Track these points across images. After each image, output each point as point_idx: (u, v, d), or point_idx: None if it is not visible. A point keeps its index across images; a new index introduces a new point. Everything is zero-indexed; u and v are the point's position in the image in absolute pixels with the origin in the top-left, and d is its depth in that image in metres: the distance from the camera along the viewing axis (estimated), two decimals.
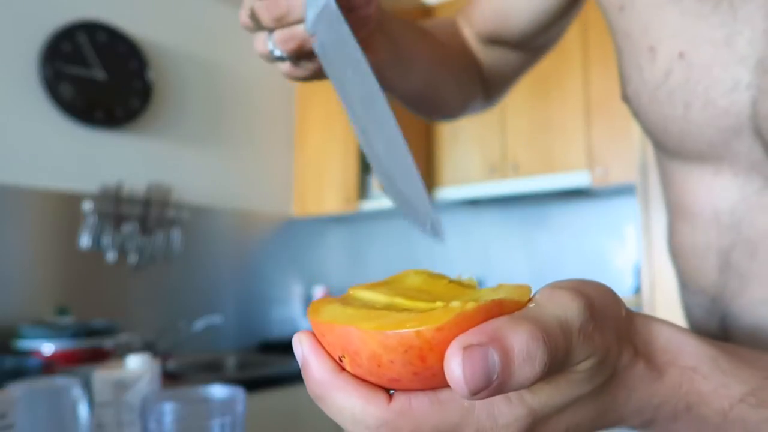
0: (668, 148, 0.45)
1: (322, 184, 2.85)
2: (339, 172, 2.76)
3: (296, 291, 2.97)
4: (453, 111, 0.62)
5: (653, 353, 0.28)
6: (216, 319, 2.43)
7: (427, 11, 2.70)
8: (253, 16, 0.41)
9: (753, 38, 0.37)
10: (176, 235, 2.45)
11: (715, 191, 0.43)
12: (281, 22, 0.40)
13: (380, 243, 3.07)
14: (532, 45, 0.62)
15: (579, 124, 2.23)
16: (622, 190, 2.22)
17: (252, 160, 2.83)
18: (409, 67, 0.52)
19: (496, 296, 0.24)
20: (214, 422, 0.58)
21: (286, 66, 0.44)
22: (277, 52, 0.42)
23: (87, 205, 2.19)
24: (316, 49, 0.39)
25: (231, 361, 2.44)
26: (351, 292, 0.28)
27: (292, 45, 0.41)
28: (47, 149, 2.14)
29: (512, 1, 0.59)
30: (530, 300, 0.25)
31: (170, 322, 2.39)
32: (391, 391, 0.24)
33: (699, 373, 0.29)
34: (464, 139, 2.55)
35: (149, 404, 0.59)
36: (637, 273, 2.15)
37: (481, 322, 0.22)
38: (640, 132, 1.79)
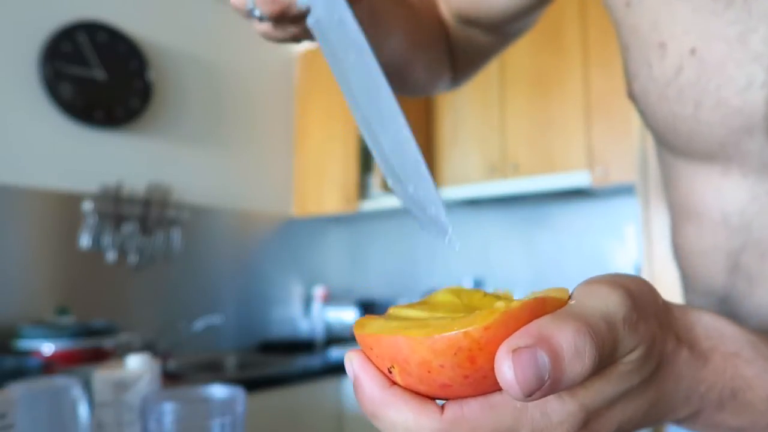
0: (676, 148, 0.44)
1: (322, 184, 2.85)
2: (339, 172, 2.76)
3: (296, 291, 2.97)
4: (420, 88, 0.60)
5: (695, 340, 0.28)
6: (216, 319, 2.43)
7: None
8: None
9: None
10: (176, 235, 2.45)
11: (724, 192, 0.42)
12: None
13: (380, 243, 3.07)
14: (505, 30, 0.61)
15: (579, 123, 2.23)
16: (622, 190, 2.22)
17: (252, 160, 2.83)
18: (385, 38, 0.49)
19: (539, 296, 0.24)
20: (214, 422, 0.58)
21: (263, 26, 0.39)
22: (257, 12, 0.37)
23: (87, 205, 2.19)
24: (311, 25, 0.36)
25: (231, 361, 2.44)
26: (391, 312, 0.28)
27: (275, 7, 0.36)
28: (47, 149, 2.14)
29: None
30: (570, 297, 0.25)
31: (170, 322, 2.39)
32: (442, 403, 0.24)
33: (742, 358, 0.28)
34: (464, 139, 2.54)
35: (149, 404, 0.59)
36: (638, 273, 2.15)
37: (527, 320, 0.22)
38: (640, 132, 1.79)
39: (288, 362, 2.32)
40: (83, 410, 0.68)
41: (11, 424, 0.55)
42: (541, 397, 0.21)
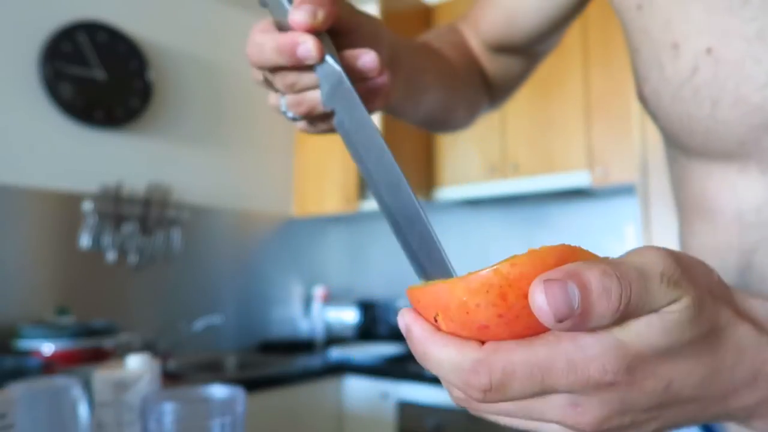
0: (690, 148, 0.43)
1: (322, 184, 2.85)
2: (339, 172, 2.76)
3: (296, 291, 2.97)
4: (462, 124, 0.65)
5: (757, 319, 0.28)
6: (216, 319, 2.43)
7: (427, 11, 2.70)
8: (266, 79, 0.43)
9: None
10: (176, 235, 2.45)
11: (740, 189, 0.41)
12: (293, 89, 0.41)
13: (380, 243, 3.07)
14: (534, 51, 0.64)
15: (579, 124, 2.23)
16: (622, 190, 2.22)
17: (252, 160, 2.83)
18: (421, 98, 0.54)
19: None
20: (214, 422, 0.58)
21: (300, 124, 0.45)
22: (290, 114, 0.43)
23: (87, 205, 2.19)
24: (336, 125, 0.40)
25: (231, 361, 2.44)
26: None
27: (303, 109, 0.42)
28: (47, 149, 2.14)
29: (520, 8, 0.59)
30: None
31: (170, 322, 2.39)
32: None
33: None
34: (464, 139, 2.54)
35: (149, 404, 0.59)
36: None
37: (554, 262, 0.24)
38: (640, 132, 1.79)
39: (288, 362, 2.32)
40: (83, 410, 0.68)
41: (11, 424, 0.55)
42: (572, 328, 0.23)
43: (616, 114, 2.14)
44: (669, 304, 0.24)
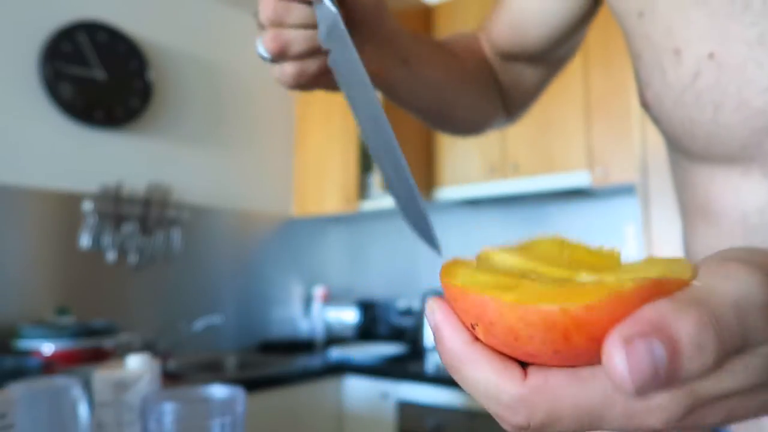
0: (693, 152, 0.43)
1: (322, 184, 2.85)
2: (339, 172, 2.76)
3: (296, 291, 2.97)
4: (471, 127, 0.64)
5: None
6: (216, 319, 2.43)
7: (427, 11, 2.70)
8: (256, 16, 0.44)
9: None
10: (176, 235, 2.45)
11: (743, 192, 0.41)
12: (277, 21, 0.42)
13: (380, 243, 3.07)
14: (549, 58, 0.63)
15: (579, 124, 2.23)
16: (622, 190, 2.22)
17: (252, 160, 2.83)
18: (422, 85, 0.54)
19: (653, 273, 0.21)
20: (214, 422, 0.58)
21: (288, 68, 0.45)
22: (266, 54, 0.43)
23: (87, 205, 2.19)
24: (330, 64, 0.42)
25: (231, 361, 2.44)
26: (484, 254, 0.26)
27: (276, 45, 0.43)
28: (47, 149, 2.14)
29: (528, 15, 0.59)
30: (693, 277, 0.21)
31: (170, 322, 2.39)
32: (526, 366, 0.23)
33: None
34: (464, 139, 2.54)
35: (149, 404, 0.59)
36: None
37: (638, 303, 0.19)
38: (640, 132, 1.79)
39: (288, 362, 2.32)
40: (83, 410, 0.68)
41: (11, 424, 0.55)
42: (651, 393, 0.19)
43: (616, 114, 2.14)
44: (758, 346, 0.21)
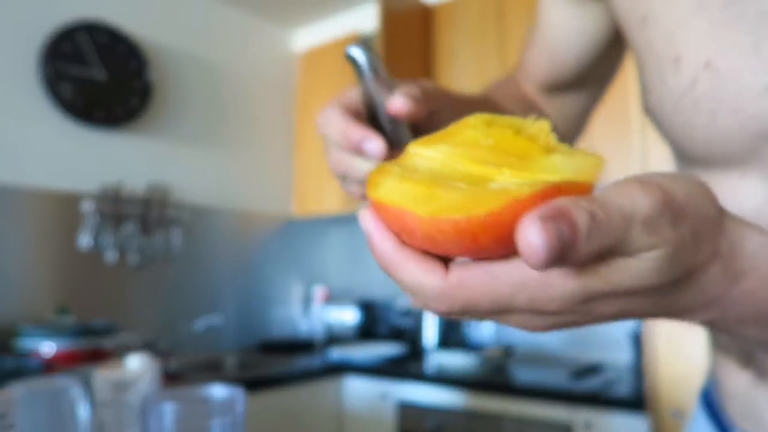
0: (692, 156, 0.45)
1: (322, 184, 2.85)
2: None
3: (296, 291, 2.97)
4: None
5: (737, 257, 0.28)
6: (216, 319, 2.43)
7: (427, 12, 2.70)
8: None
9: None
10: (176, 235, 2.45)
11: (740, 193, 0.43)
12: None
13: None
14: (592, 79, 0.63)
15: None
16: None
17: (252, 160, 2.83)
18: None
19: (559, 176, 0.24)
20: (214, 422, 0.58)
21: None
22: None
23: (87, 205, 2.19)
24: None
25: (231, 361, 2.44)
26: (410, 152, 0.29)
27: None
28: (47, 149, 2.14)
29: (560, 40, 0.60)
30: (596, 180, 0.25)
31: (170, 322, 2.39)
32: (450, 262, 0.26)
33: None
34: None
35: (149, 404, 0.59)
36: None
37: (535, 206, 0.22)
38: (640, 132, 1.79)
39: (288, 362, 2.32)
40: (83, 410, 0.68)
41: (11, 424, 0.55)
42: (555, 266, 0.22)
43: (616, 114, 2.14)
44: (644, 251, 0.24)
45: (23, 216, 2.06)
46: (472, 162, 0.27)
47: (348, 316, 2.89)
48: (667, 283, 0.25)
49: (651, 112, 0.46)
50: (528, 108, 0.63)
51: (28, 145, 2.09)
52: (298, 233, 2.99)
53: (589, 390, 1.76)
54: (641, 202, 0.23)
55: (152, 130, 2.44)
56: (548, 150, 0.27)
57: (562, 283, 0.24)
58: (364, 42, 0.40)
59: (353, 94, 0.43)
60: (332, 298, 3.00)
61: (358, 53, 0.39)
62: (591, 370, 2.06)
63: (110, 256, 2.26)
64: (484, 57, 2.46)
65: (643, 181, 0.24)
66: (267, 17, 2.93)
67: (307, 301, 2.99)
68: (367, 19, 2.83)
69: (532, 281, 0.24)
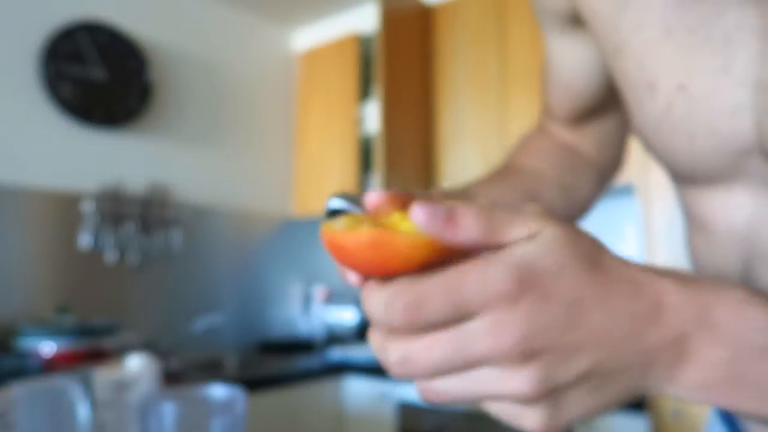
0: (678, 175, 0.46)
1: (322, 184, 2.85)
2: (339, 172, 2.76)
3: (296, 291, 2.97)
4: (586, 207, 0.66)
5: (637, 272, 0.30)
6: (216, 318, 2.43)
7: (427, 12, 2.70)
8: None
9: (750, 59, 0.38)
10: (176, 235, 2.45)
11: (730, 207, 0.43)
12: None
13: None
14: (612, 99, 0.63)
15: None
16: (622, 190, 2.22)
17: (252, 160, 2.83)
18: (559, 210, 0.58)
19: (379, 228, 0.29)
20: (214, 422, 0.58)
21: None
22: None
23: (87, 205, 2.19)
24: None
25: (231, 361, 2.44)
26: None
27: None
28: (47, 149, 2.14)
29: (573, 70, 0.60)
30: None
31: (170, 322, 2.39)
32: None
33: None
34: (464, 139, 2.54)
35: (149, 404, 0.59)
36: None
37: (365, 241, 0.28)
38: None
39: (288, 362, 2.32)
40: (83, 410, 0.68)
41: (11, 424, 0.55)
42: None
43: None
44: (536, 232, 0.28)
45: (23, 216, 2.06)
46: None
47: (348, 316, 2.89)
48: (581, 258, 0.30)
49: (636, 133, 0.48)
50: (564, 156, 0.64)
51: (28, 144, 2.09)
52: (297, 233, 2.99)
53: None
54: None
55: (152, 130, 2.44)
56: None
57: (495, 259, 0.27)
58: (344, 195, 0.40)
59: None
60: (332, 298, 3.00)
61: (339, 203, 0.39)
62: None
63: (110, 256, 2.26)
64: (484, 57, 2.46)
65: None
66: (267, 17, 2.93)
67: (306, 300, 2.99)
68: (366, 19, 2.83)
69: (471, 267, 0.27)
